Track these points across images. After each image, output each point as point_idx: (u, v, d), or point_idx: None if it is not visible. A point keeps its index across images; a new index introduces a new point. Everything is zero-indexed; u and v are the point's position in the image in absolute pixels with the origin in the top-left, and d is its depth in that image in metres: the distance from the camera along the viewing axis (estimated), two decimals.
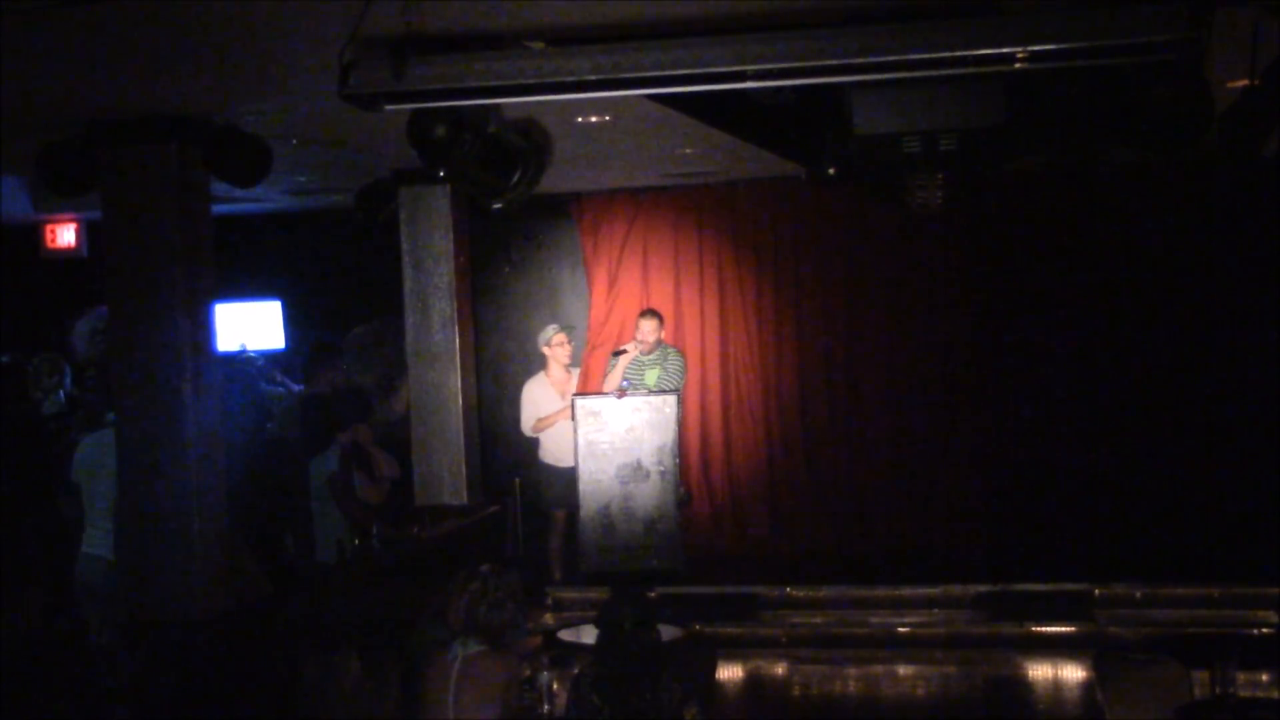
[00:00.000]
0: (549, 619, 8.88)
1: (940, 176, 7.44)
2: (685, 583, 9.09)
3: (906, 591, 8.95)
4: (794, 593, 9.05)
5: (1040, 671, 8.15)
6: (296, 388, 9.14)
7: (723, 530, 10.33)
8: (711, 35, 4.77)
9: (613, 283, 10.54)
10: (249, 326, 10.52)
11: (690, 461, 10.11)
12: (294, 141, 7.43)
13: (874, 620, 8.80)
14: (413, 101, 5.16)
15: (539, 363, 10.03)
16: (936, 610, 8.84)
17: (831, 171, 6.95)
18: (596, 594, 8.65)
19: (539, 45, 5.05)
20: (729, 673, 8.29)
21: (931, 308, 10.16)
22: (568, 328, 9.89)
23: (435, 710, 4.79)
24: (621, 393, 9.17)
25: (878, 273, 10.27)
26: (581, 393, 9.49)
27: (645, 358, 9.39)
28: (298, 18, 4.89)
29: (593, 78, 4.84)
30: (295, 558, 7.35)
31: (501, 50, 4.96)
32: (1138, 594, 8.65)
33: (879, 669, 8.34)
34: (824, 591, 9.05)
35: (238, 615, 6.55)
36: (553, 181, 8.76)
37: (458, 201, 8.86)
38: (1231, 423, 9.58)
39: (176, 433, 6.50)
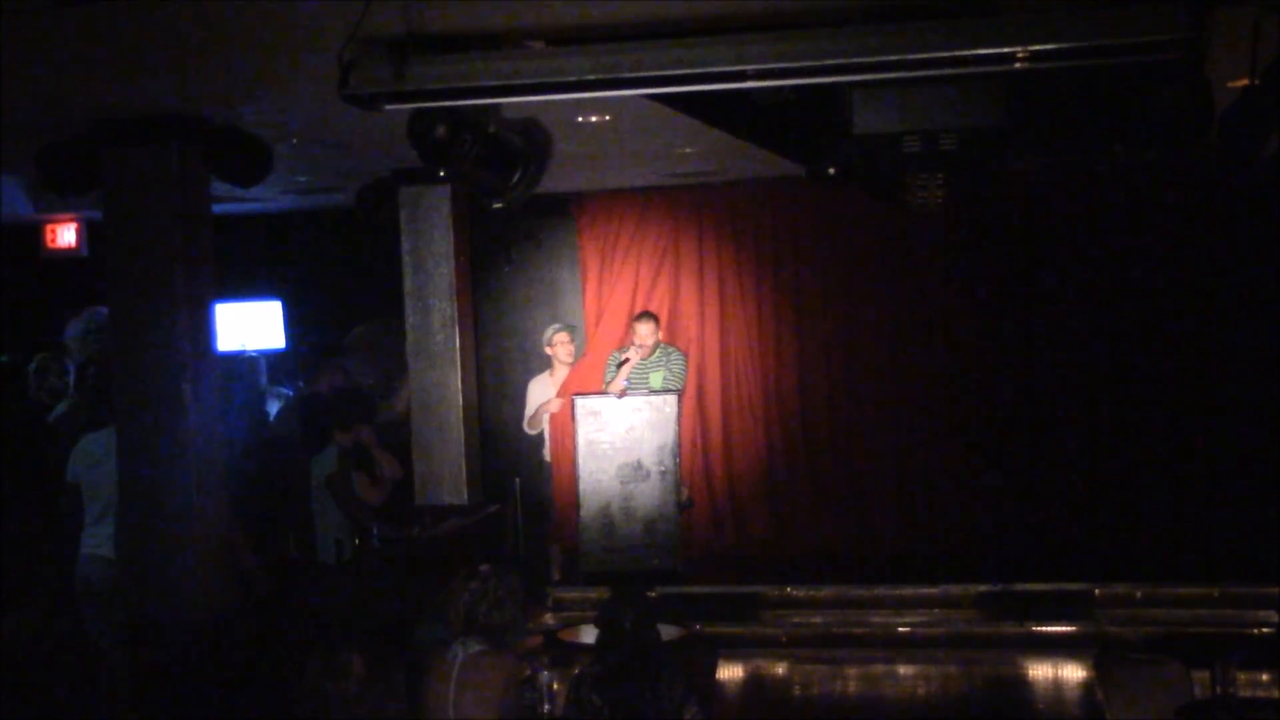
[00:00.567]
0: (549, 619, 8.88)
1: (940, 176, 7.43)
2: (685, 582, 9.08)
3: (907, 591, 8.94)
4: (794, 592, 9.04)
5: (1041, 671, 8.15)
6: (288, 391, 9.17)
7: (723, 530, 10.32)
8: (711, 35, 4.77)
9: (612, 282, 10.54)
10: (249, 326, 10.52)
11: (690, 461, 10.10)
12: (294, 141, 7.43)
13: (874, 620, 8.79)
14: (413, 101, 5.16)
15: (540, 362, 10.05)
16: (937, 610, 8.83)
17: (832, 171, 6.95)
18: (596, 594, 8.64)
19: (539, 45, 5.05)
20: (729, 672, 8.28)
21: (931, 307, 10.15)
22: (569, 327, 9.91)
23: (436, 710, 4.79)
24: (622, 392, 9.17)
25: (878, 273, 10.26)
26: (581, 392, 9.48)
27: (646, 360, 9.38)
28: (298, 18, 4.89)
29: (592, 77, 4.84)
30: (296, 557, 7.36)
31: (501, 50, 4.97)
32: (1138, 594, 8.64)
33: (879, 669, 8.33)
34: (824, 591, 9.04)
35: (239, 615, 6.56)
36: (553, 181, 8.77)
37: (458, 201, 8.87)
38: (1232, 422, 9.57)
39: (176, 432, 6.51)
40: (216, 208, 7.02)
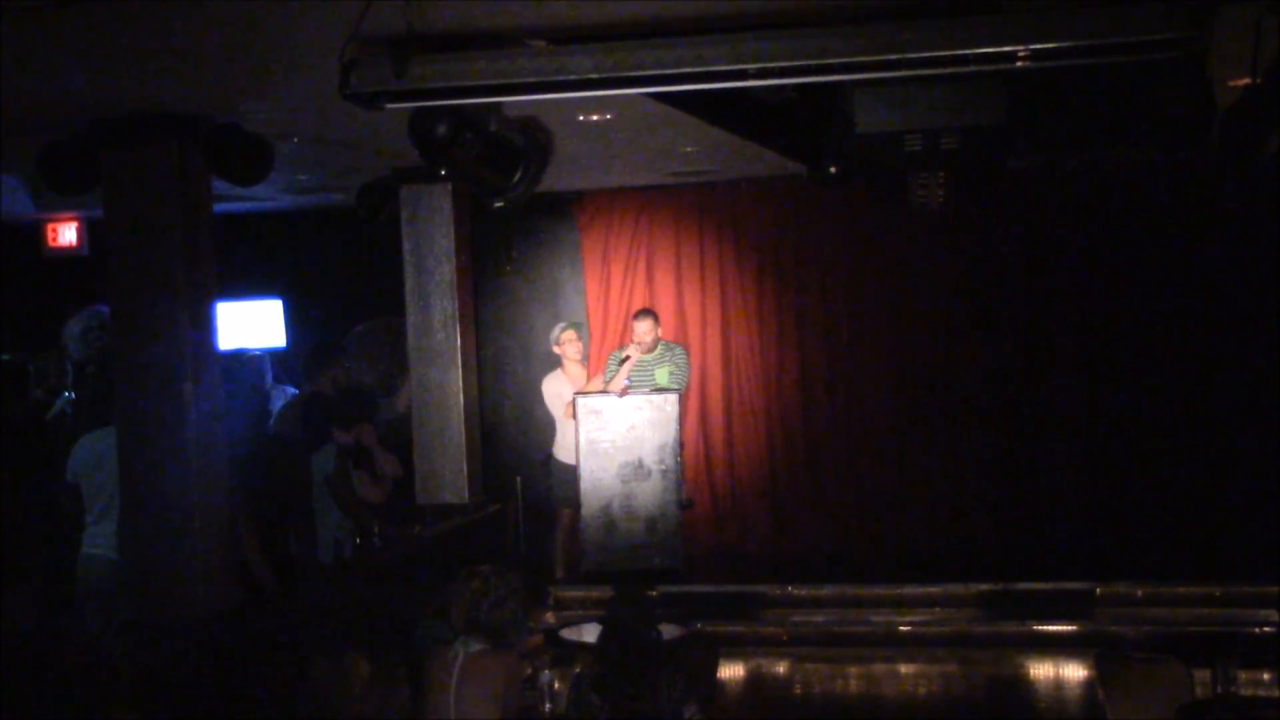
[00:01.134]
0: (550, 618, 8.87)
1: (942, 175, 7.43)
2: (686, 581, 9.08)
3: (908, 590, 8.93)
4: (795, 591, 9.04)
5: (1041, 670, 8.15)
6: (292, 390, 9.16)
7: (724, 529, 10.33)
8: (713, 34, 4.77)
9: (614, 282, 10.54)
10: (250, 325, 10.52)
11: (692, 460, 10.11)
12: (295, 140, 7.43)
13: (875, 619, 8.79)
14: (414, 100, 5.16)
15: (543, 361, 10.07)
16: (938, 609, 8.83)
17: (833, 170, 6.96)
18: (598, 593, 8.64)
19: (540, 44, 5.05)
20: (730, 671, 8.28)
21: (932, 306, 10.16)
22: (575, 325, 9.93)
23: (437, 708, 4.79)
24: (624, 391, 9.17)
25: (879, 271, 10.26)
26: (583, 391, 9.48)
27: (648, 357, 9.39)
28: (299, 16, 4.89)
29: (594, 76, 4.84)
30: (298, 556, 7.36)
31: (503, 49, 4.96)
32: (1139, 593, 8.63)
33: (880, 668, 8.33)
34: (825, 590, 9.03)
35: (241, 613, 6.56)
36: (554, 180, 8.77)
37: (459, 200, 8.85)
38: (1233, 421, 9.57)
39: (178, 431, 6.50)
40: (217, 207, 7.02)
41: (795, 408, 10.38)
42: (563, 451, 9.62)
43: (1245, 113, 5.39)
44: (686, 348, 9.91)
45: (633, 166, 9.45)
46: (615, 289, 10.53)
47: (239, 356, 8.99)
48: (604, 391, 9.33)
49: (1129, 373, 9.82)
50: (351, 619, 6.65)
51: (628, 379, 9.26)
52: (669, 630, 6.94)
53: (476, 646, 4.91)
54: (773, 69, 4.77)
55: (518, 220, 10.26)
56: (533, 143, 6.97)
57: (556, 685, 5.26)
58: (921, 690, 8.20)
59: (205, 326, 6.71)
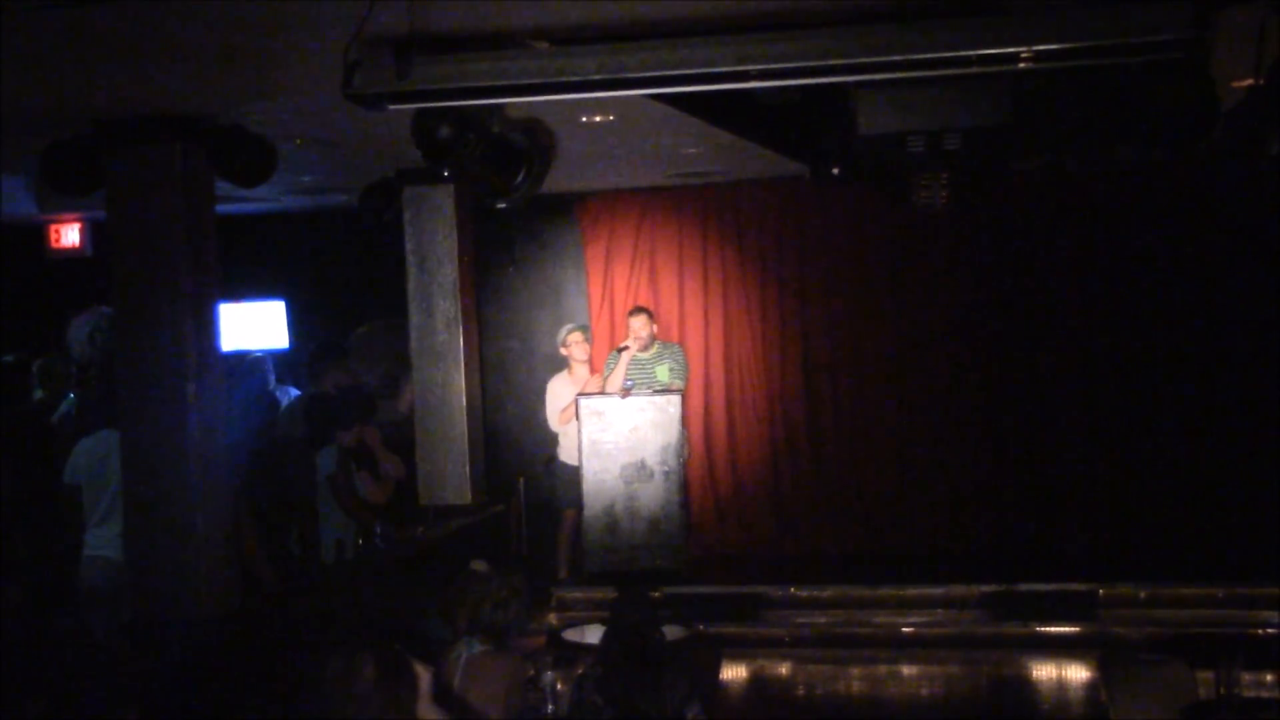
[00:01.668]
0: (553, 619, 8.88)
1: (944, 176, 7.43)
2: (689, 582, 9.09)
3: (911, 591, 8.94)
4: (798, 592, 9.04)
5: (1045, 672, 8.14)
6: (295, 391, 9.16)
7: (727, 530, 10.33)
8: (715, 35, 4.76)
9: (616, 283, 10.54)
10: (253, 326, 10.52)
11: (694, 461, 10.10)
12: (298, 141, 7.43)
13: (878, 620, 8.80)
14: (417, 101, 5.16)
15: (547, 361, 10.07)
16: (941, 610, 8.83)
17: (836, 171, 6.96)
18: (601, 594, 8.65)
19: (543, 45, 5.04)
20: (733, 672, 8.28)
21: (936, 307, 10.15)
22: (581, 327, 9.94)
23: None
24: (625, 392, 9.17)
25: (882, 272, 10.26)
26: (586, 392, 9.49)
27: (647, 356, 9.40)
28: (302, 17, 4.89)
29: (596, 77, 4.84)
30: (300, 557, 7.36)
31: (505, 50, 4.96)
32: (1142, 594, 8.63)
33: (883, 669, 8.33)
34: (828, 591, 9.03)
35: (244, 613, 6.56)
36: (556, 181, 8.76)
37: (462, 201, 8.85)
38: (1237, 422, 9.56)
39: (181, 431, 6.50)
40: (220, 208, 7.01)
41: (798, 409, 10.38)
42: (565, 452, 9.62)
43: (1249, 113, 5.38)
44: (686, 349, 9.91)
45: (635, 167, 9.45)
46: (618, 290, 10.53)
47: (242, 358, 8.99)
48: (603, 392, 9.33)
49: (1133, 374, 9.81)
50: (354, 620, 6.65)
51: (630, 380, 9.26)
52: (671, 631, 6.94)
53: (479, 647, 4.92)
54: (775, 70, 4.77)
55: (520, 221, 10.27)
56: (535, 144, 6.97)
57: (559, 686, 5.25)
58: (924, 691, 8.20)
59: (208, 327, 6.71)
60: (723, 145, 8.01)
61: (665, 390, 9.27)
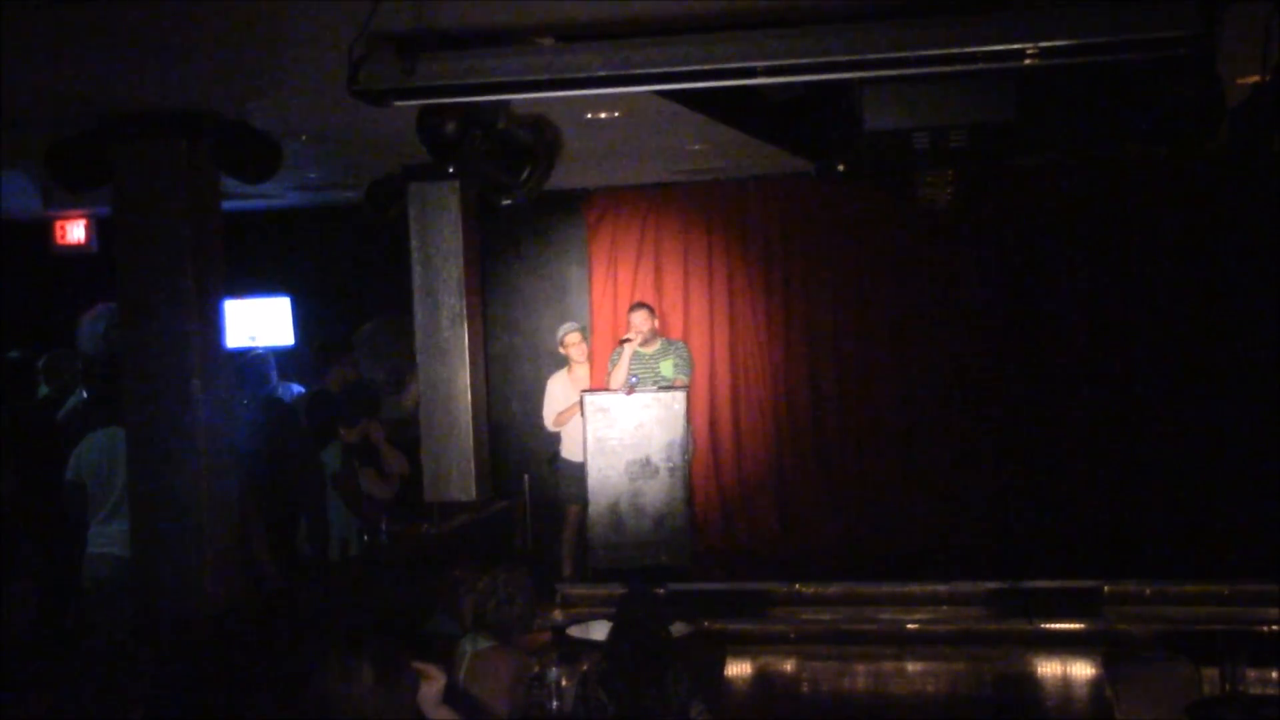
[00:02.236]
0: (558, 615, 8.88)
1: (950, 173, 7.44)
2: (694, 579, 9.08)
3: (915, 588, 8.93)
4: (803, 589, 9.03)
5: (1049, 669, 8.14)
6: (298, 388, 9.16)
7: (732, 526, 10.32)
8: (721, 31, 4.77)
9: (621, 279, 10.54)
10: (258, 322, 10.53)
11: (699, 458, 10.10)
12: (303, 138, 7.44)
13: (883, 617, 8.79)
14: (422, 98, 5.16)
15: (550, 359, 10.07)
16: (945, 607, 8.82)
17: (841, 168, 6.94)
18: (605, 590, 8.66)
19: (548, 41, 5.05)
20: (737, 669, 8.28)
21: (941, 303, 10.15)
22: (580, 327, 9.94)
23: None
24: (630, 389, 9.18)
25: (887, 269, 10.26)
26: (590, 389, 9.49)
27: (650, 351, 9.40)
28: (308, 14, 4.89)
29: (602, 74, 4.84)
30: (306, 553, 7.37)
31: (511, 46, 4.97)
32: (1147, 591, 8.62)
33: (888, 666, 8.32)
34: (833, 588, 9.03)
35: (250, 609, 6.57)
36: (562, 178, 8.77)
37: (467, 198, 8.87)
38: (1242, 419, 9.55)
39: (186, 428, 6.51)
40: (226, 204, 7.02)
41: (803, 405, 10.38)
42: (569, 449, 9.63)
43: (1255, 110, 5.38)
44: (690, 346, 9.90)
45: (641, 164, 9.45)
46: (623, 287, 10.52)
47: (242, 355, 8.99)
48: (606, 389, 9.33)
49: (1137, 370, 9.80)
50: (359, 616, 6.65)
51: (634, 376, 9.26)
52: (676, 628, 6.94)
53: (484, 644, 4.92)
54: (781, 67, 4.77)
55: (525, 218, 10.27)
56: (541, 140, 6.98)
57: (564, 682, 5.24)
58: (929, 688, 8.19)
59: (213, 324, 6.72)
60: (728, 142, 8.00)
61: (670, 387, 9.26)
